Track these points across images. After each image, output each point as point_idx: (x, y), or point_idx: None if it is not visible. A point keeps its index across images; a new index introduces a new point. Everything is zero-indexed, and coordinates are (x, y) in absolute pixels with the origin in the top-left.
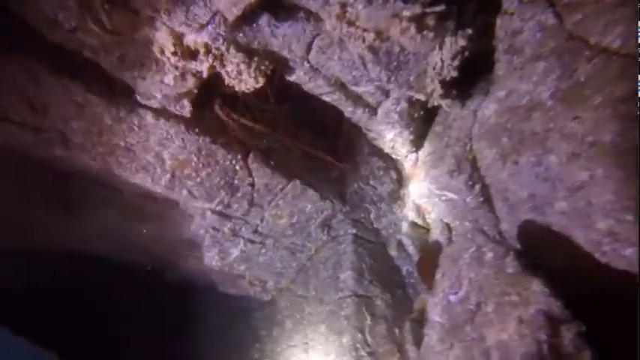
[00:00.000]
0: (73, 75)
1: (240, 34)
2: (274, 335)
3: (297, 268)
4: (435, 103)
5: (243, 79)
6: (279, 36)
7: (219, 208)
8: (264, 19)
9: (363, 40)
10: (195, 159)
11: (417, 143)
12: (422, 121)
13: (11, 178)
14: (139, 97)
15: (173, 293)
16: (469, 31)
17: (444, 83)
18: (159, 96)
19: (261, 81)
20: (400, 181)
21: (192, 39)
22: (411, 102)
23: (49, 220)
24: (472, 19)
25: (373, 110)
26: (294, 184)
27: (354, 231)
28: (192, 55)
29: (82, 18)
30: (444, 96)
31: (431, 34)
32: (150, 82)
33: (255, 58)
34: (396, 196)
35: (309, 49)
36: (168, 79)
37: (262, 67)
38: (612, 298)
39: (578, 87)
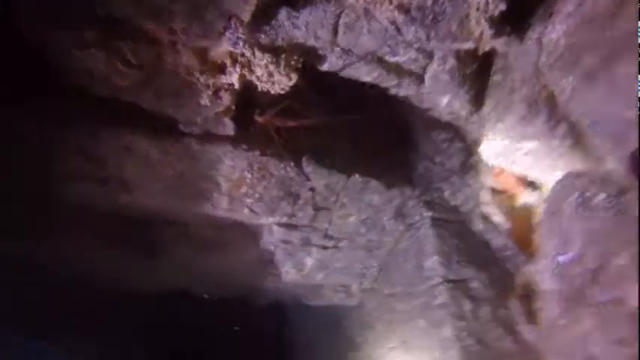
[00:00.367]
0: (116, 121)
1: (262, 35)
2: (370, 340)
3: (378, 266)
4: (487, 48)
5: (276, 80)
6: (301, 26)
7: (284, 219)
8: (282, 13)
9: (390, 2)
10: (249, 175)
11: (477, 100)
12: (476, 75)
13: (91, 234)
14: (182, 127)
15: (263, 316)
16: None
17: (492, 21)
18: (199, 120)
19: (294, 77)
20: (468, 148)
21: (215, 52)
22: (459, 56)
23: (133, 265)
24: None
25: (420, 78)
26: (354, 179)
27: (430, 214)
28: (220, 69)
29: (112, 63)
30: (495, 35)
31: None
32: (188, 109)
33: (283, 55)
34: (467, 165)
35: (335, 31)
36: (204, 100)
37: (292, 63)
38: None
39: None
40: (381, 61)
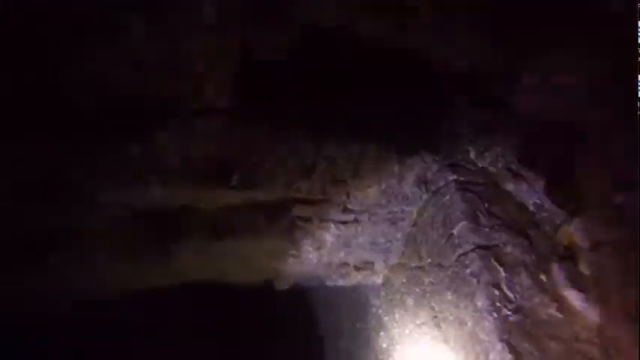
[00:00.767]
0: None
1: None
2: (398, 317)
3: (403, 239)
4: None
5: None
6: None
7: (299, 194)
8: None
9: None
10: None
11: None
12: None
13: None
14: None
15: (286, 301)
16: None
17: None
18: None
19: None
20: (495, 103)
21: None
22: None
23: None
24: None
25: None
26: (371, 147)
27: (455, 177)
28: None
29: None
30: None
31: None
32: None
33: None
34: (495, 122)
35: None
36: None
37: None
38: None
39: None
40: None
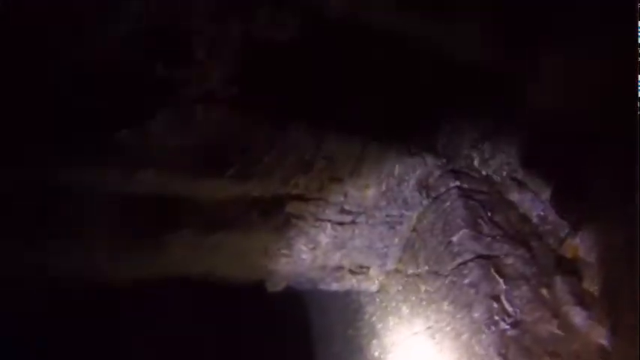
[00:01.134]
0: None
1: None
2: (391, 326)
3: (401, 244)
4: None
5: None
6: None
7: (295, 191)
8: None
9: None
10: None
11: None
12: None
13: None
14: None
15: (278, 303)
16: None
17: None
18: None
19: None
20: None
21: None
22: None
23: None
24: None
25: None
26: (372, 145)
27: (457, 183)
28: None
29: None
30: None
31: None
32: None
33: None
34: (501, 129)
35: None
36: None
37: None
38: None
39: None
40: None
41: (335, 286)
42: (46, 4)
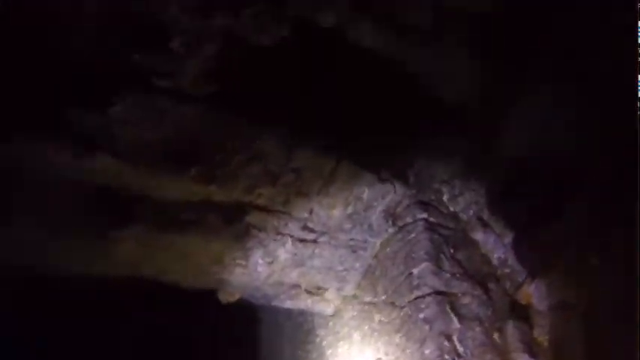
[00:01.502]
0: None
1: None
2: (341, 352)
3: (361, 270)
4: None
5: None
6: None
7: (259, 201)
8: None
9: None
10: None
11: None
12: None
13: None
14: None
15: (226, 314)
16: None
17: None
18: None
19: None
20: (475, 146)
21: None
22: None
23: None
24: None
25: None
26: (344, 165)
27: (424, 215)
28: None
29: None
30: None
31: None
32: None
33: None
34: (473, 166)
35: None
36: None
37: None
38: None
39: None
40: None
41: (289, 304)
42: None
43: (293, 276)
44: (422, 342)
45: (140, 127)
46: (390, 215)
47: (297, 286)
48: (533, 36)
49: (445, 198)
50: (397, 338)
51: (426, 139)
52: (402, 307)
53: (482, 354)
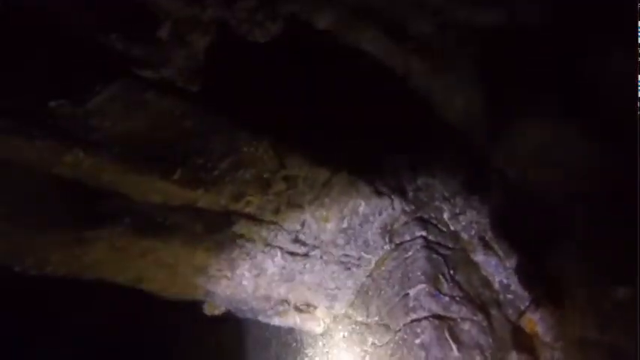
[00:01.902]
0: None
1: None
2: None
3: (354, 288)
4: None
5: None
6: None
7: (248, 210)
8: None
9: None
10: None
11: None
12: None
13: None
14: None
15: (210, 327)
16: None
17: None
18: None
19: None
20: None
21: None
22: None
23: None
24: None
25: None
26: (341, 176)
27: (423, 233)
28: None
29: None
30: None
31: None
32: None
33: None
34: (474, 184)
35: None
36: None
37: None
38: None
39: None
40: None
41: (277, 321)
42: None
43: (281, 291)
44: None
45: (120, 121)
46: (387, 231)
47: (285, 301)
48: (535, 54)
49: (445, 216)
50: None
51: (428, 154)
52: (396, 331)
53: None
